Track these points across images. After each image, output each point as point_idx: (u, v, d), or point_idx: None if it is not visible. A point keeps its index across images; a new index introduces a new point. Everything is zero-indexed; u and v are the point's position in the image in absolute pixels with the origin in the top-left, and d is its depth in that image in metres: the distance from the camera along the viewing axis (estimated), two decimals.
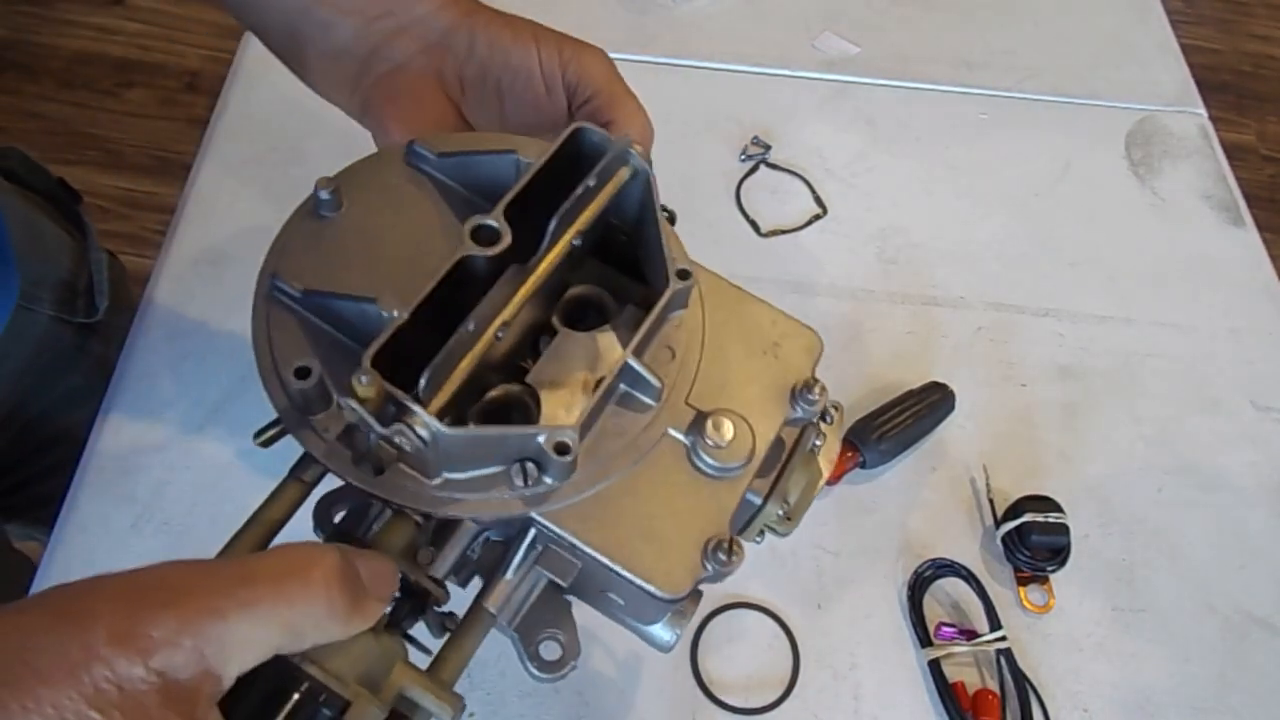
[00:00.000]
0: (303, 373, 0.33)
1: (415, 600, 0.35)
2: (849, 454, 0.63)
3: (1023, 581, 0.61)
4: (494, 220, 0.35)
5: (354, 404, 0.31)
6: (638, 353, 0.36)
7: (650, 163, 0.39)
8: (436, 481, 0.34)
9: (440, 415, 0.32)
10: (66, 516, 0.60)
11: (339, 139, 0.79)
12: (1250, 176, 2.00)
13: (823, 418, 0.43)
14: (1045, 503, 0.61)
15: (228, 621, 0.25)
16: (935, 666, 0.57)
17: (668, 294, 0.37)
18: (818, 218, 0.77)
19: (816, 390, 0.39)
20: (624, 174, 0.39)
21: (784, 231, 0.76)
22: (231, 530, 0.34)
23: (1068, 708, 0.58)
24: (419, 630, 0.37)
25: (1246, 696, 0.59)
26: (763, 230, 0.76)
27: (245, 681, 0.26)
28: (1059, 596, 0.61)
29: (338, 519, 0.37)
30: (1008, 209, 0.79)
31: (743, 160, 0.80)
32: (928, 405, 0.65)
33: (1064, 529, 0.60)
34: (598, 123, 0.45)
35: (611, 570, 0.34)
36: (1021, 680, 0.57)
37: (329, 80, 0.48)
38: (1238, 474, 0.67)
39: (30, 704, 0.22)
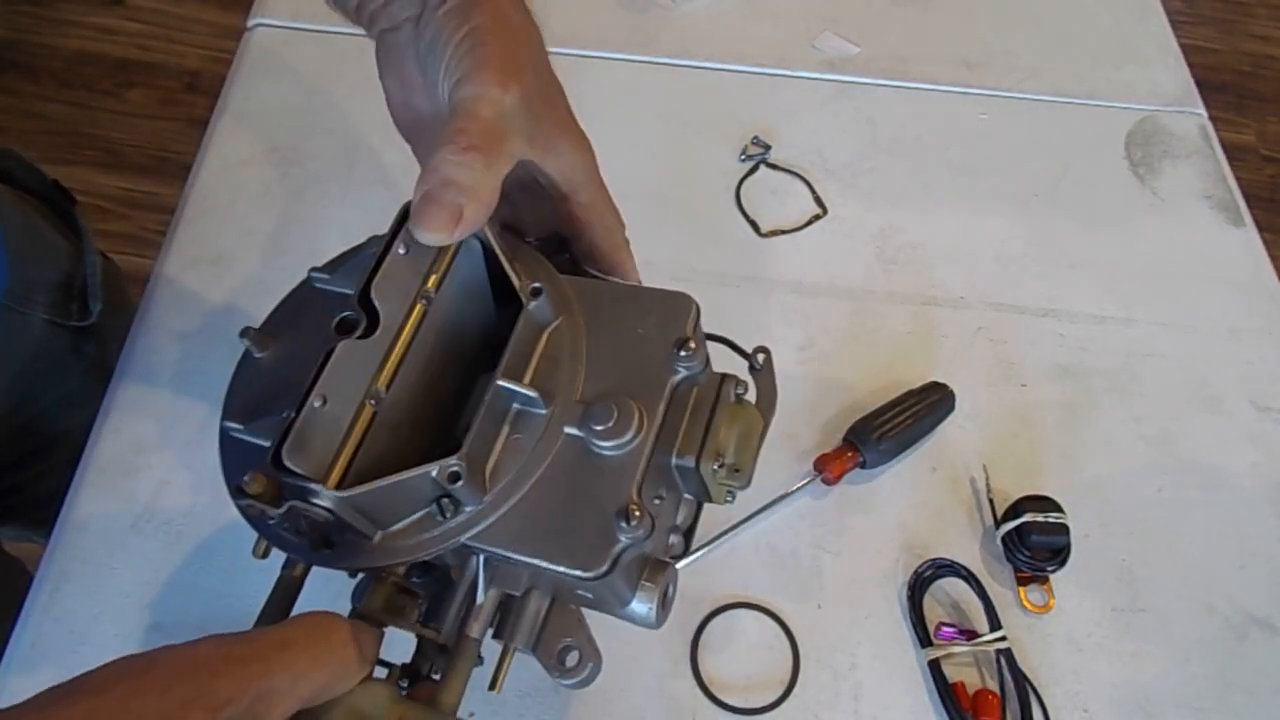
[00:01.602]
0: (238, 493, 0.36)
1: (426, 647, 0.40)
2: (849, 454, 0.63)
3: (1023, 581, 0.61)
4: (349, 310, 0.39)
5: (247, 500, 0.35)
6: (514, 373, 0.39)
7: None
8: (377, 539, 0.38)
9: (351, 480, 0.36)
10: (66, 517, 0.60)
11: (339, 139, 0.79)
12: (1250, 176, 2.00)
13: (750, 367, 0.45)
14: (1045, 503, 0.61)
15: (273, 680, 0.31)
16: (935, 666, 0.57)
17: (522, 317, 0.40)
18: (818, 218, 0.77)
19: (689, 347, 0.40)
20: None
21: (784, 231, 0.76)
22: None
23: (1068, 708, 0.58)
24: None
25: (1246, 696, 0.59)
26: (763, 230, 0.76)
27: None
28: (1059, 596, 0.61)
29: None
30: (1008, 209, 0.79)
31: (743, 160, 0.80)
32: (928, 405, 0.65)
33: (1064, 529, 0.60)
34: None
35: (537, 566, 0.37)
36: (1021, 680, 0.57)
37: (359, 24, 0.46)
38: (1238, 474, 0.67)
39: None
